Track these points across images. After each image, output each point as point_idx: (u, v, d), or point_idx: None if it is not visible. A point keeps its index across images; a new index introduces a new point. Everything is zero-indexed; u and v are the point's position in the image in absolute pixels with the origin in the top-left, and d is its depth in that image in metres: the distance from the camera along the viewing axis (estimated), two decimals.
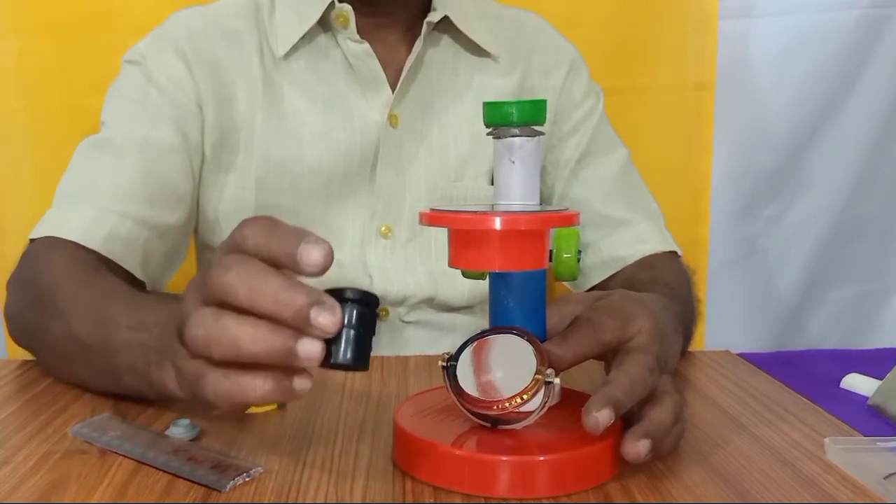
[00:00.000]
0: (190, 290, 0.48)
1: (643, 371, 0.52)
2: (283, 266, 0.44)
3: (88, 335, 0.63)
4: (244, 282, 0.43)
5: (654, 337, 0.55)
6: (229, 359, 0.44)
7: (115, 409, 0.64)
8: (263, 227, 0.45)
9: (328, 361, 0.44)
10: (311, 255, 0.43)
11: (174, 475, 0.52)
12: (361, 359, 0.45)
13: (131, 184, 0.81)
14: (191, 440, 0.57)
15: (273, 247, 0.44)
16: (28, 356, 0.76)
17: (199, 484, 0.51)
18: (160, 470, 0.53)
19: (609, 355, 0.56)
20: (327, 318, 0.42)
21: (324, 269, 0.43)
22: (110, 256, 0.78)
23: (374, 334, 0.46)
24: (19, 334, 0.75)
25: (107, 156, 0.83)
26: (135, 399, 0.65)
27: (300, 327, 0.43)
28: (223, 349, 0.44)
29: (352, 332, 0.44)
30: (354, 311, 0.45)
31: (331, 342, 0.44)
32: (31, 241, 0.78)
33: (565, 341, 0.54)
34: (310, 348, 0.43)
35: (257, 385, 0.45)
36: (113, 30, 1.20)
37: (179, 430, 0.58)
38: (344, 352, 0.44)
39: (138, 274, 0.80)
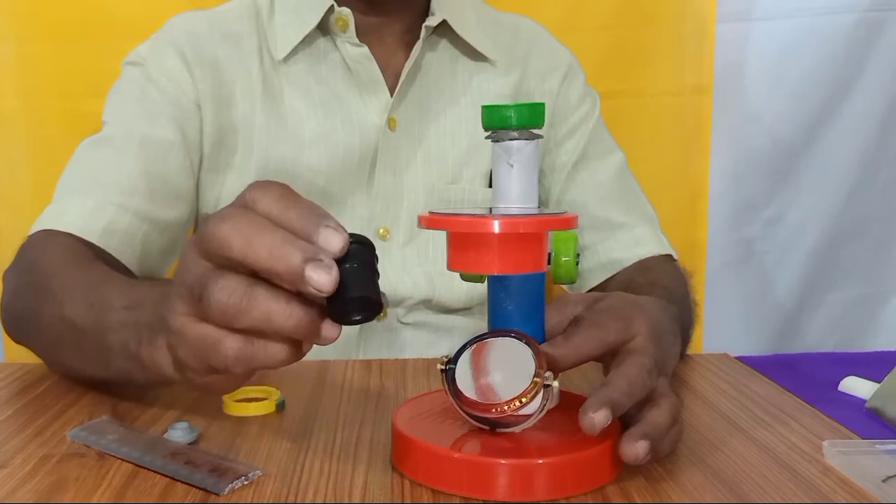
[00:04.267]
0: (189, 246, 0.46)
1: (641, 373, 0.52)
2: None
3: (81, 318, 0.62)
4: (239, 234, 0.43)
5: (651, 339, 0.55)
6: (254, 329, 0.44)
7: (113, 412, 0.64)
8: (278, 196, 0.44)
9: (340, 309, 0.43)
10: (331, 241, 0.42)
11: (172, 478, 0.52)
12: (372, 292, 0.43)
13: (132, 178, 0.81)
14: (189, 443, 0.57)
15: (289, 220, 0.43)
16: (27, 359, 0.76)
17: (197, 487, 0.51)
18: (158, 473, 0.53)
19: (607, 357, 0.56)
20: (322, 275, 0.41)
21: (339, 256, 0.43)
22: (107, 249, 0.78)
23: (377, 272, 0.45)
24: (12, 323, 0.74)
25: (107, 152, 0.84)
26: (133, 400, 0.65)
27: (294, 284, 0.42)
28: (252, 321, 0.43)
29: (354, 266, 0.43)
30: (352, 250, 0.43)
31: (336, 294, 0.42)
32: (30, 235, 0.78)
33: (569, 341, 0.54)
34: (332, 331, 0.44)
35: (280, 351, 0.45)
36: (111, 33, 1.20)
37: (178, 434, 0.58)
38: (354, 288, 0.42)
39: (134, 268, 0.80)
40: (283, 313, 0.43)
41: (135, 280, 0.66)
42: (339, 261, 0.42)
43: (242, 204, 0.45)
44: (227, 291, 0.43)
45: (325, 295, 0.42)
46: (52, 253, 0.73)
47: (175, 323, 0.47)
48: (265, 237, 0.42)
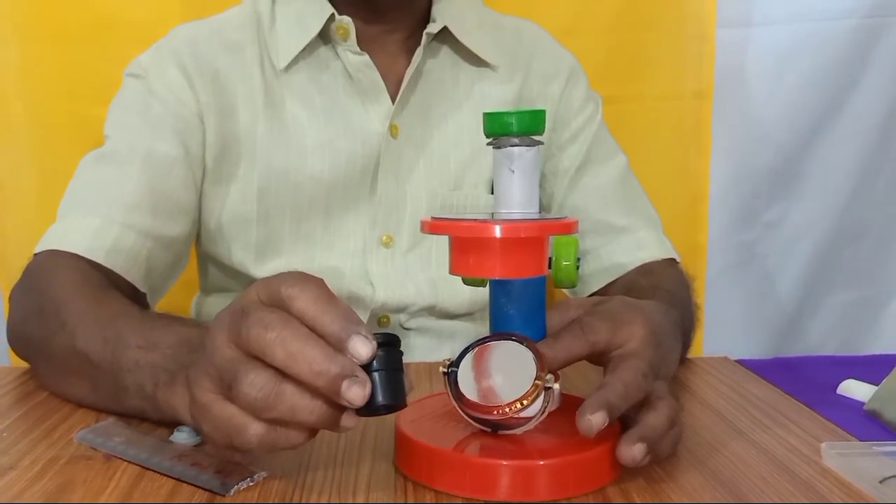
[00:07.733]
0: (220, 328, 0.49)
1: (636, 376, 0.53)
2: (324, 339, 0.47)
3: (95, 353, 0.63)
4: (282, 345, 0.46)
5: (648, 343, 0.56)
6: (278, 420, 0.48)
7: (119, 415, 0.64)
8: (314, 298, 0.47)
9: (366, 410, 0.47)
10: (360, 350, 0.46)
11: (178, 480, 0.53)
12: (398, 398, 0.47)
13: (135, 195, 0.81)
14: (194, 445, 0.58)
15: (322, 326, 0.47)
16: None
17: (202, 488, 0.52)
18: (164, 475, 0.54)
19: (605, 360, 0.57)
20: (357, 392, 0.46)
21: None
22: (113, 268, 0.78)
23: (403, 372, 0.48)
24: (21, 347, 0.75)
25: (110, 167, 0.84)
26: None
27: (331, 397, 0.46)
28: (278, 414, 0.47)
29: (383, 373, 0.47)
30: (382, 354, 0.47)
31: None
32: (36, 254, 0.78)
33: (556, 342, 0.55)
34: (350, 422, 0.48)
35: (300, 437, 0.49)
36: (115, 37, 1.20)
37: (183, 436, 0.58)
38: (382, 395, 0.47)
39: (140, 286, 0.81)
40: (307, 409, 0.47)
41: (148, 316, 0.66)
42: (369, 365, 0.47)
43: (278, 299, 0.48)
44: (257, 387, 0.47)
45: (357, 407, 0.46)
46: (62, 279, 0.73)
47: (202, 398, 0.49)
48: (306, 353, 0.46)
